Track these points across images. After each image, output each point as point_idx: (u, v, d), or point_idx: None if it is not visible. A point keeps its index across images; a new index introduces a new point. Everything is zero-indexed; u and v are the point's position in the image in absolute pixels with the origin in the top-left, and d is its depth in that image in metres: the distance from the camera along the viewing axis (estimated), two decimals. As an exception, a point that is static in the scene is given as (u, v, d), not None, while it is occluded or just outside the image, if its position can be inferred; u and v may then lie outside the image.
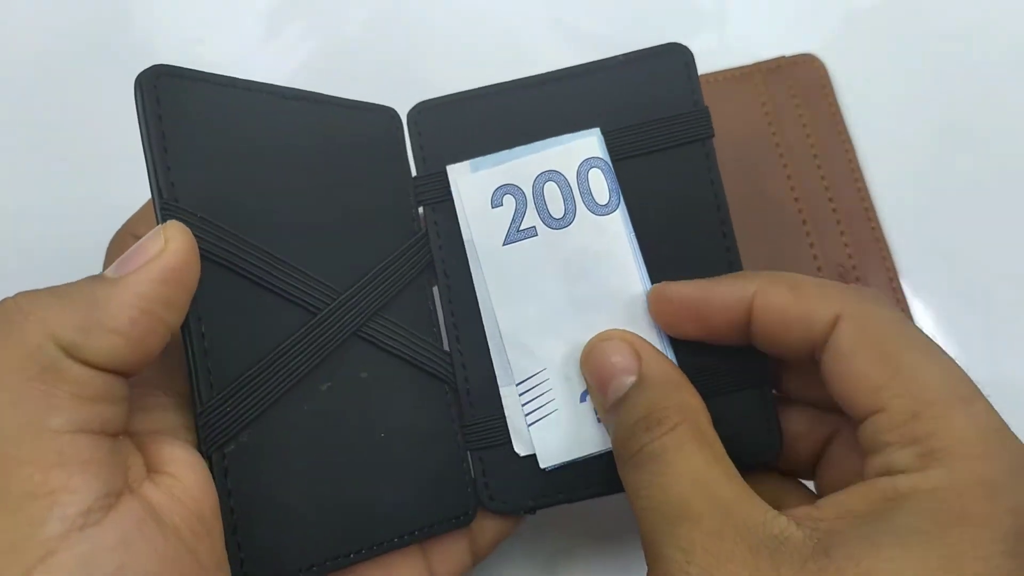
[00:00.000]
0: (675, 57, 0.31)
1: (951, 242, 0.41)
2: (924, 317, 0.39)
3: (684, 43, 0.31)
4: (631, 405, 0.26)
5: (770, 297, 0.26)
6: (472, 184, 0.30)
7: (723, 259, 0.30)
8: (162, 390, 0.26)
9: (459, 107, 0.31)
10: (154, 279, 0.23)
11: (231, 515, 0.25)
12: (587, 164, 0.30)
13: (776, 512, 0.23)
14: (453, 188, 0.30)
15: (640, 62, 0.31)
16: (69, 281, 0.23)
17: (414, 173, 0.31)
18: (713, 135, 0.30)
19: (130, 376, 0.23)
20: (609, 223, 0.30)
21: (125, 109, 0.43)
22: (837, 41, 0.44)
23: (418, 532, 0.28)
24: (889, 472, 0.23)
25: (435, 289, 0.31)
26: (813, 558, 0.21)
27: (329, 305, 0.28)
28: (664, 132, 0.30)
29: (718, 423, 0.26)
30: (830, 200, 0.40)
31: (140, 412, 0.24)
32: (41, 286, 0.23)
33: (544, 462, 0.29)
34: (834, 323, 0.25)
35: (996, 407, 0.38)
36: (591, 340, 0.29)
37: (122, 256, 0.23)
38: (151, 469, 0.23)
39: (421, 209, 0.31)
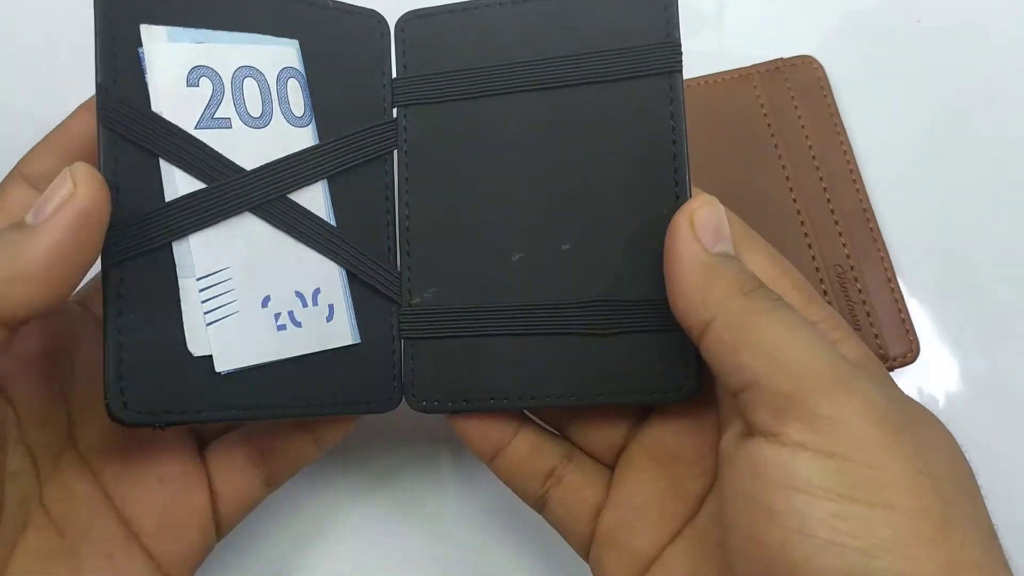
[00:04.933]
0: None
1: (948, 243, 0.41)
2: (921, 317, 0.40)
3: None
4: None
5: None
6: (167, 54, 0.28)
7: (670, 197, 0.29)
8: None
9: (445, 20, 0.31)
10: (68, 225, 0.23)
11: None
12: (286, 72, 0.30)
13: None
14: (144, 54, 0.28)
15: None
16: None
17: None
18: (681, 70, 0.30)
19: (40, 317, 0.24)
20: (301, 136, 0.30)
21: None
22: (835, 43, 0.44)
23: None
24: None
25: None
26: None
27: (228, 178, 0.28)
28: (629, 61, 0.30)
29: (640, 357, 0.29)
30: (828, 201, 0.40)
31: None
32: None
33: (221, 365, 0.27)
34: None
35: (992, 406, 0.39)
36: None
37: (38, 200, 0.24)
38: None
39: (395, 110, 0.32)
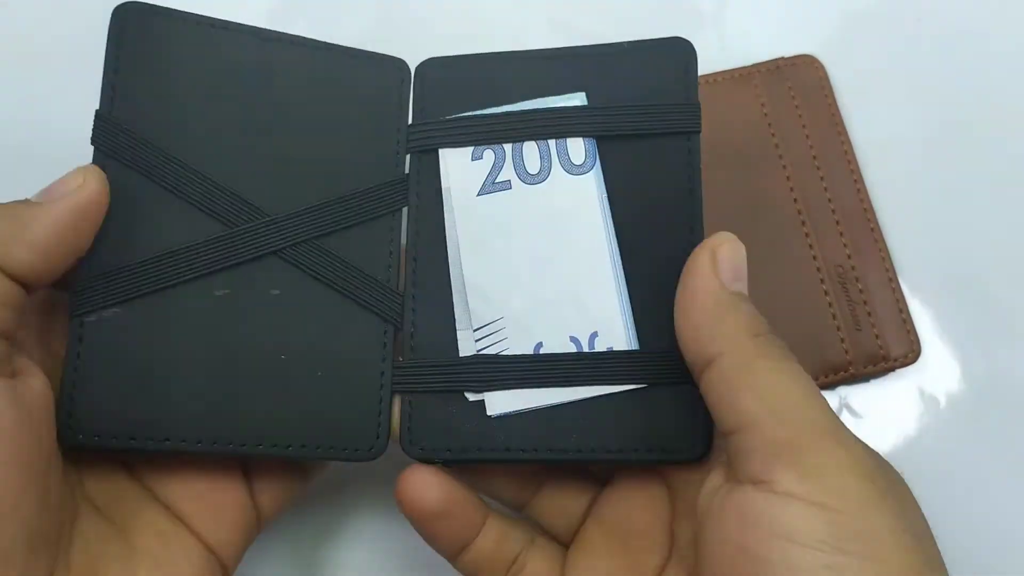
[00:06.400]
0: (677, 50, 0.32)
1: (950, 242, 0.41)
2: (923, 317, 0.39)
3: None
4: None
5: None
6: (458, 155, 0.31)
7: (686, 250, 0.29)
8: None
9: (464, 65, 0.32)
10: (70, 208, 0.27)
11: (73, 373, 0.28)
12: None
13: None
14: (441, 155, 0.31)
15: (642, 51, 0.32)
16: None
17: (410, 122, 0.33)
18: (700, 131, 0.31)
19: (34, 289, 0.26)
20: (582, 183, 0.31)
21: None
22: (836, 42, 0.44)
23: (292, 448, 0.29)
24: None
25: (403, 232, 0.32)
26: None
27: (250, 223, 0.29)
28: (653, 118, 0.31)
29: (660, 412, 0.29)
30: (829, 201, 0.40)
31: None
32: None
33: (492, 409, 0.29)
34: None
35: (994, 406, 0.38)
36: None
37: (47, 186, 0.27)
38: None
39: (408, 157, 0.32)
